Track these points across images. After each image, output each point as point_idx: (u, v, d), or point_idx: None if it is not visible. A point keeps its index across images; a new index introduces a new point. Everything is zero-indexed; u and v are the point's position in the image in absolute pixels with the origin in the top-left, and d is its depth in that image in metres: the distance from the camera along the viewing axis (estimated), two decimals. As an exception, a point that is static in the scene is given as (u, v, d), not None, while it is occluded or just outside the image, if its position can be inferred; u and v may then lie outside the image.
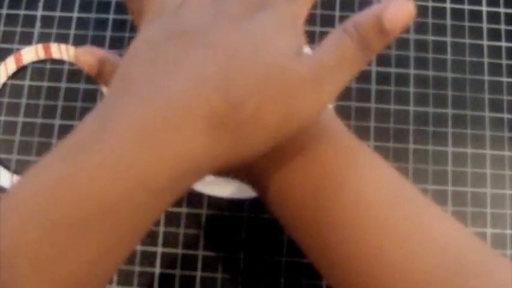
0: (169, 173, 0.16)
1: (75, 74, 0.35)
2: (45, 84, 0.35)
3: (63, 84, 0.35)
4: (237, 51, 0.17)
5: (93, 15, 0.36)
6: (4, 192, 0.18)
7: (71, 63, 0.35)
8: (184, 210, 0.33)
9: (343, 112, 0.34)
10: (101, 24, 0.36)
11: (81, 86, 0.35)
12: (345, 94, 0.35)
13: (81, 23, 0.36)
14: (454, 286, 0.17)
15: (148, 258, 0.32)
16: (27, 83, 0.35)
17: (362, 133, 0.34)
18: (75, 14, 0.36)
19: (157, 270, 0.32)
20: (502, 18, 0.36)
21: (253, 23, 0.18)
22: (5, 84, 0.35)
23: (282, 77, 0.17)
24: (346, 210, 0.19)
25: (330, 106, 0.34)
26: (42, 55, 0.35)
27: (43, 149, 0.34)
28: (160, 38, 0.18)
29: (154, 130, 0.16)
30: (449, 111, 0.35)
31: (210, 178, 0.31)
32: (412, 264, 0.18)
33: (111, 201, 0.16)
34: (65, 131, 0.34)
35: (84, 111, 0.35)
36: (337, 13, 0.36)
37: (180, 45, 0.17)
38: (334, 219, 0.19)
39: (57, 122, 0.35)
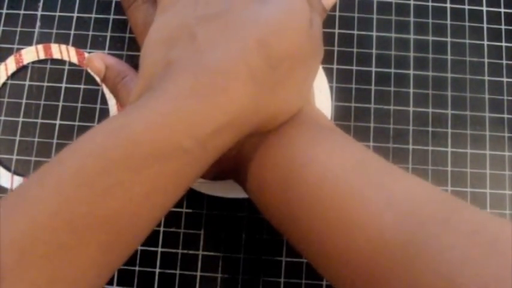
0: (214, 125, 0.19)
1: (75, 74, 0.35)
2: (45, 84, 0.35)
3: (63, 84, 0.35)
4: (271, 22, 0.20)
5: (93, 15, 0.36)
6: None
7: (71, 64, 0.35)
8: (184, 210, 0.33)
9: (343, 113, 0.34)
10: (101, 24, 0.36)
11: (82, 86, 0.35)
12: (345, 94, 0.35)
13: (81, 23, 0.36)
14: (411, 235, 0.18)
15: (148, 258, 0.32)
16: (27, 83, 0.35)
17: (362, 133, 0.34)
18: (75, 14, 0.36)
19: (157, 270, 0.32)
20: (502, 18, 0.36)
21: (271, 1, 0.21)
22: (5, 84, 0.35)
23: (307, 42, 0.21)
24: (312, 184, 0.20)
25: (328, 104, 0.34)
26: (42, 55, 0.35)
27: (43, 149, 0.34)
28: (190, 21, 0.21)
29: (203, 92, 0.19)
30: (449, 111, 0.35)
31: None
32: (369, 222, 0.19)
33: (161, 146, 0.18)
34: (65, 131, 0.34)
35: (84, 111, 0.35)
36: (337, 13, 0.36)
37: (214, 26, 0.20)
38: (302, 192, 0.20)
39: (57, 122, 0.35)
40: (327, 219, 0.20)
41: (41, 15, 0.36)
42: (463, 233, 0.17)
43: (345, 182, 0.20)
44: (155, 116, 0.18)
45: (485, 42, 0.36)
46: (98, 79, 0.35)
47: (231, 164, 0.24)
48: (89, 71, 0.35)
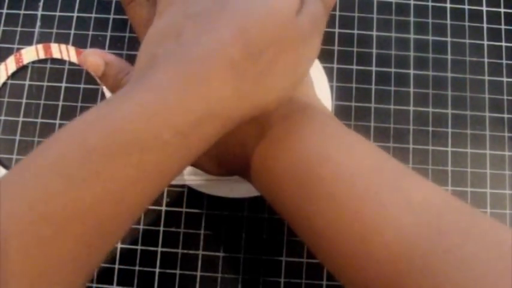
0: (194, 115, 0.19)
1: (75, 74, 0.35)
2: (45, 84, 0.35)
3: (63, 84, 0.35)
4: (250, 11, 0.20)
5: (93, 15, 0.36)
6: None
7: (71, 63, 0.35)
8: (184, 210, 0.33)
9: (343, 112, 0.34)
10: (101, 24, 0.36)
11: (81, 86, 0.35)
12: (345, 94, 0.35)
13: (81, 23, 0.36)
14: (428, 243, 0.18)
15: (148, 258, 0.32)
16: (27, 83, 0.35)
17: (362, 133, 0.34)
18: (75, 14, 0.36)
19: (157, 270, 0.32)
20: (502, 18, 0.36)
21: None
22: (5, 84, 0.35)
23: (291, 30, 0.20)
24: (327, 182, 0.20)
25: (328, 103, 0.34)
26: (42, 55, 0.35)
27: (43, 148, 0.34)
28: (179, 20, 0.21)
29: (183, 82, 0.19)
30: (449, 111, 0.35)
31: (209, 177, 0.31)
32: (387, 226, 0.18)
33: (140, 136, 0.18)
34: (65, 130, 0.34)
35: (84, 110, 0.35)
36: (337, 13, 0.36)
37: (200, 21, 0.20)
38: (316, 191, 0.20)
39: (57, 122, 0.35)
40: (343, 219, 0.19)
41: (41, 15, 0.36)
42: (484, 244, 0.17)
43: (361, 182, 0.20)
44: (134, 106, 0.18)
45: (485, 42, 0.36)
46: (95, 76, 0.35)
47: (237, 160, 0.24)
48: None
